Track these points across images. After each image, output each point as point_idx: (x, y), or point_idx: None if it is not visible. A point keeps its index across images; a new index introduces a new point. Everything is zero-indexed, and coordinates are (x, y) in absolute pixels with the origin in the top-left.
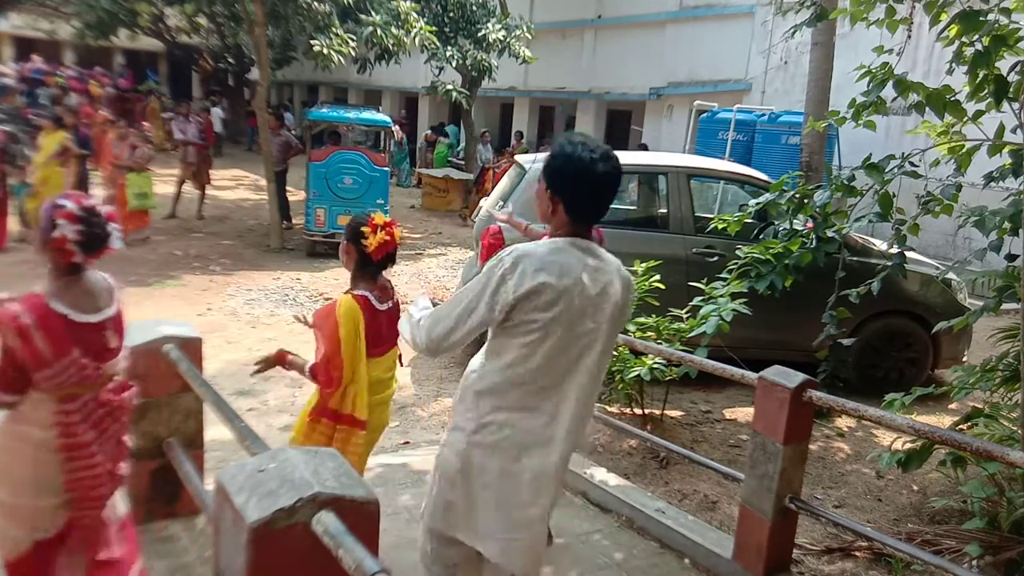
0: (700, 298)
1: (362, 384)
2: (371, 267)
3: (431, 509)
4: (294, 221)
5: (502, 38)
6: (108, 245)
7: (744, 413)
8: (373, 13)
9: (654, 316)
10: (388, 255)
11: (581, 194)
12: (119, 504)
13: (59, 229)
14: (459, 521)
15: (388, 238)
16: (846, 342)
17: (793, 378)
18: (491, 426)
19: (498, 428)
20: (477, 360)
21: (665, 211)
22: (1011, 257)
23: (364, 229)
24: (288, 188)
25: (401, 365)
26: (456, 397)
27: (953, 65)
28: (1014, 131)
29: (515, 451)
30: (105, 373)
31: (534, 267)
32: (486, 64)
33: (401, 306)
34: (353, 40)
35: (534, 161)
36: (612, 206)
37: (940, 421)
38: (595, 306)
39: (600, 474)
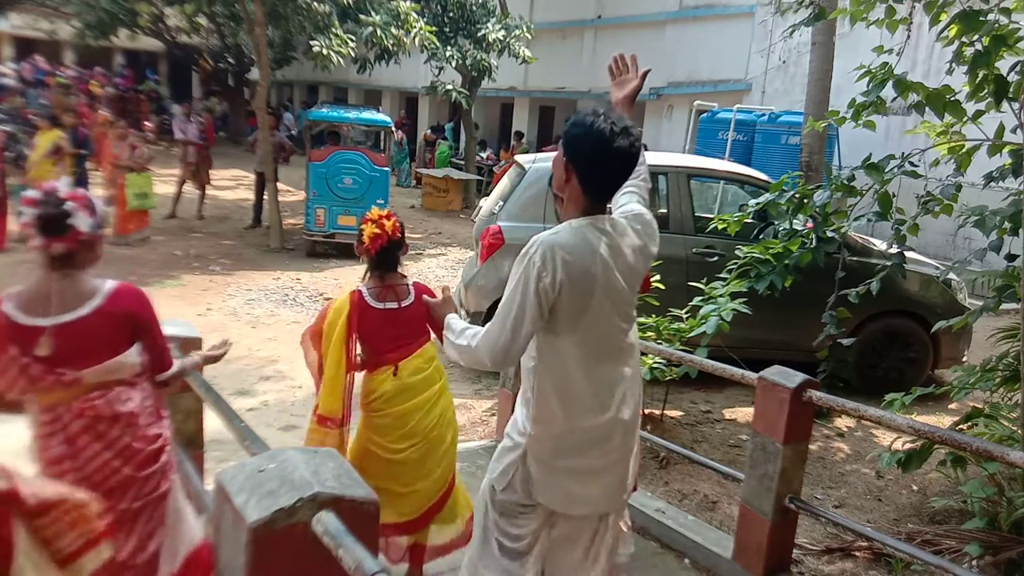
0: (700, 298)
1: (331, 381)
2: (377, 263)
3: (543, 493)
4: (294, 221)
5: (502, 38)
6: (71, 227)
7: (744, 413)
8: (373, 13)
9: (654, 316)
10: (385, 248)
11: (595, 165)
12: (173, 543)
13: (23, 216)
14: (556, 494)
15: (378, 230)
16: (846, 342)
17: (793, 378)
18: (576, 420)
19: (584, 418)
20: (531, 352)
21: (665, 211)
22: (1011, 257)
23: (362, 227)
24: (289, 188)
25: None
26: (529, 389)
27: (953, 65)
28: (1014, 131)
29: (603, 430)
30: (82, 381)
31: (563, 255)
32: (486, 64)
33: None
34: (353, 40)
35: (534, 161)
36: None
37: (940, 421)
38: (620, 280)
39: None
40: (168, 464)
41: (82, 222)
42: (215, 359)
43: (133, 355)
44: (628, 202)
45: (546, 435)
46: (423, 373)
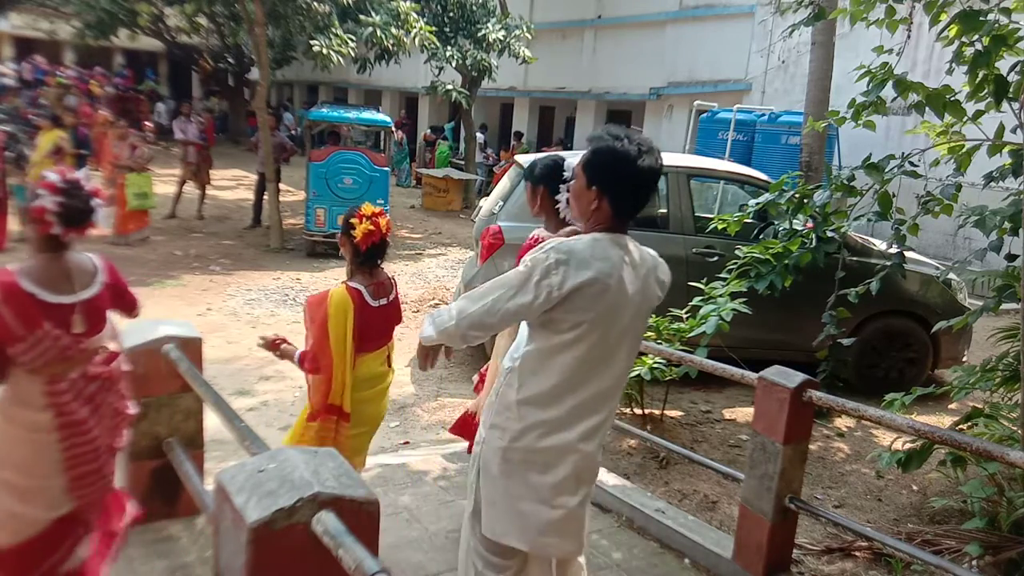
0: (700, 298)
1: (347, 378)
2: (364, 259)
3: (489, 519)
4: (294, 221)
5: (502, 38)
6: (91, 220)
7: (744, 413)
8: (373, 13)
9: (654, 316)
10: (375, 245)
11: (626, 189)
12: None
13: (40, 200)
14: (502, 519)
15: (373, 228)
16: (846, 342)
17: (793, 378)
18: (533, 433)
19: (540, 435)
20: (514, 354)
21: (665, 211)
22: (1011, 257)
23: (353, 220)
24: (289, 188)
25: (389, 366)
26: (495, 392)
27: (953, 65)
28: (1014, 131)
29: (556, 453)
30: (88, 348)
31: (579, 263)
32: (486, 64)
33: (402, 304)
34: (353, 40)
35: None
36: None
37: (940, 421)
38: (632, 304)
39: (600, 474)
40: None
41: (99, 217)
42: None
43: (116, 320)
44: None
45: (497, 444)
46: (384, 366)
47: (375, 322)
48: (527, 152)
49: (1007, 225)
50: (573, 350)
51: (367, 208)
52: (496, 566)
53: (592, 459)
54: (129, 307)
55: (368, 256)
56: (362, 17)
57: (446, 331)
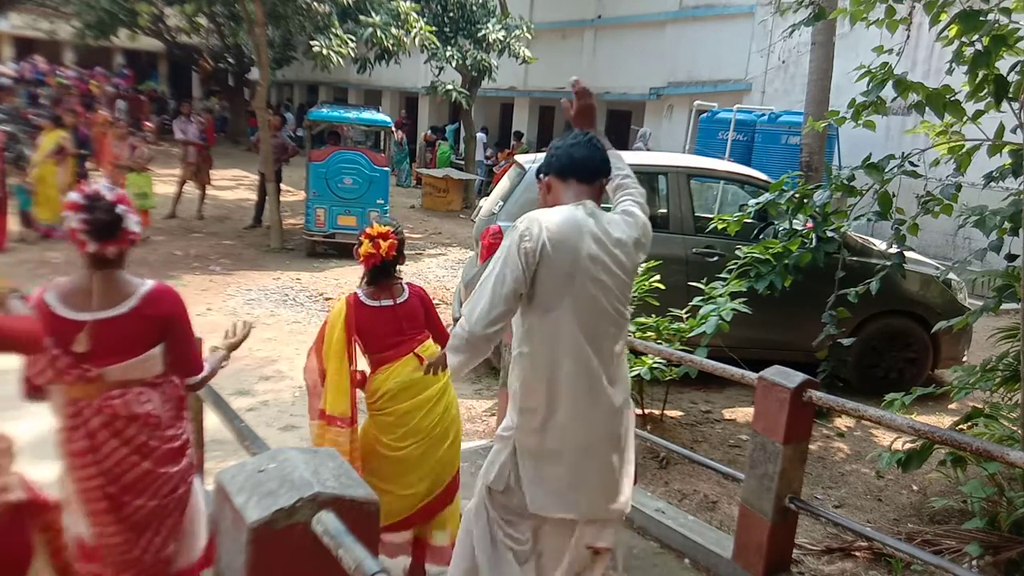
0: (700, 298)
1: (336, 380)
2: (370, 277)
3: (531, 496)
4: (294, 221)
5: (502, 38)
6: (123, 229)
7: (744, 413)
8: (373, 13)
9: (654, 316)
10: (378, 267)
11: (556, 155)
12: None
13: (68, 221)
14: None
15: (373, 251)
16: (846, 342)
17: (793, 378)
18: (537, 411)
19: (555, 418)
20: (517, 336)
21: (665, 211)
22: (1011, 257)
23: (361, 237)
24: (289, 188)
25: (422, 362)
26: (509, 381)
27: (953, 65)
28: (1014, 131)
29: (576, 431)
30: (103, 378)
31: (546, 223)
32: (486, 64)
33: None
34: (353, 40)
35: (534, 161)
36: None
37: (940, 421)
38: (609, 259)
39: None
40: (188, 468)
41: (132, 224)
42: (238, 345)
43: (155, 355)
44: (625, 206)
45: (530, 426)
46: (420, 372)
47: (380, 322)
48: (527, 152)
49: (1007, 225)
50: (567, 310)
51: (375, 228)
52: (516, 540)
53: (617, 421)
54: (186, 365)
55: (373, 275)
56: (362, 17)
57: (467, 344)
